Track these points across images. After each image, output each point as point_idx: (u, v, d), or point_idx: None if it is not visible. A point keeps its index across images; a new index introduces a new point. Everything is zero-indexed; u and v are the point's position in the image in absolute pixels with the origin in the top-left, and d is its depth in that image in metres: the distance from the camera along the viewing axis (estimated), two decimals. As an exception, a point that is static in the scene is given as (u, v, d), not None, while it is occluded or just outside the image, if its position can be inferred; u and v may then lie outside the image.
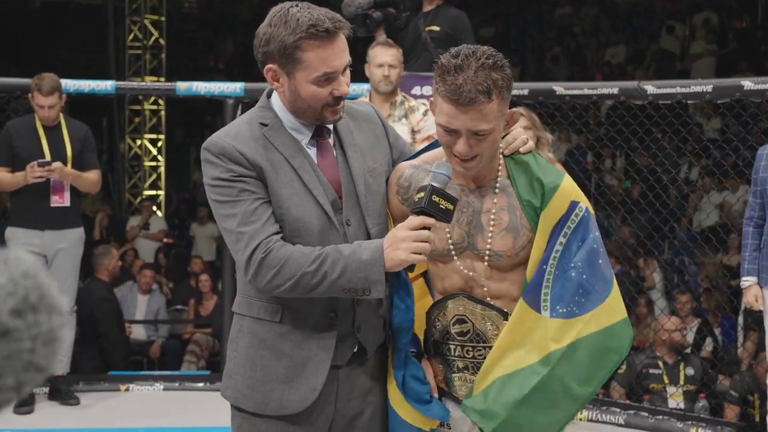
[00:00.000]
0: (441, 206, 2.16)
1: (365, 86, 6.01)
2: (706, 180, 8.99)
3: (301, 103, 2.27)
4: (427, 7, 5.96)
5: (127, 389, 5.87)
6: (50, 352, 1.08)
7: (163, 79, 14.26)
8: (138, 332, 8.44)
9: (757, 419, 5.79)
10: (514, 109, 2.27)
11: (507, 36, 16.22)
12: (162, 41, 14.79)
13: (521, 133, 2.36)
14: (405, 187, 2.39)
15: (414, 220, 2.18)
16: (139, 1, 14.69)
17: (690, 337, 6.81)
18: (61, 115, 5.52)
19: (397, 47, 5.24)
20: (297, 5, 2.24)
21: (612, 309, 2.26)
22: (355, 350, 2.37)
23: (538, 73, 14.13)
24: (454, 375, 2.37)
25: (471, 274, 2.31)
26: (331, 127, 2.36)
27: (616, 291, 2.28)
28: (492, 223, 2.27)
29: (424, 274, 2.50)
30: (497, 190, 2.29)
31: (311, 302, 2.28)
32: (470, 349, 2.33)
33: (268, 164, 2.25)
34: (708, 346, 6.98)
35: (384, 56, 5.15)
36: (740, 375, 6.11)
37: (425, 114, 5.07)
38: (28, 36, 15.98)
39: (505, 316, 2.29)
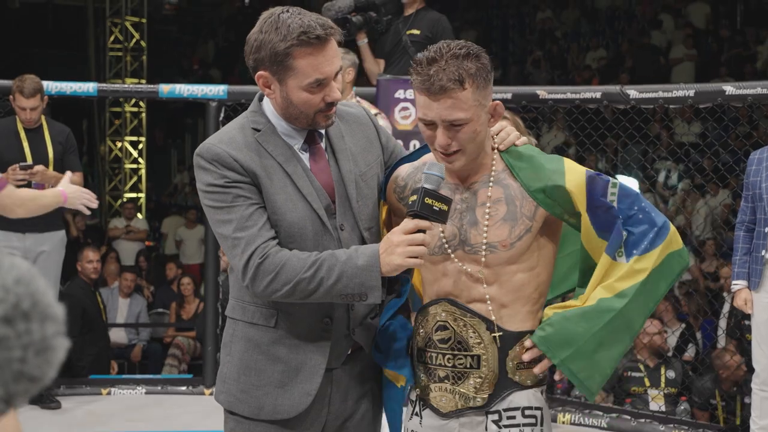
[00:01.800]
0: (435, 208, 2.15)
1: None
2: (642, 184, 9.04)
3: (294, 110, 2.26)
4: (407, 11, 5.96)
5: (108, 393, 5.84)
6: (44, 362, 1.03)
7: (143, 81, 14.23)
8: (119, 335, 8.40)
9: (722, 422, 5.85)
10: (497, 101, 2.25)
11: (488, 40, 16.27)
12: (143, 43, 14.74)
13: (513, 129, 2.35)
14: (402, 186, 2.40)
15: (408, 223, 2.17)
16: (119, 2, 14.63)
17: (673, 341, 6.86)
18: (43, 117, 5.48)
19: (344, 50, 5.07)
20: (288, 10, 2.22)
21: (672, 240, 2.26)
22: (350, 351, 2.38)
23: (520, 77, 14.19)
24: (434, 385, 2.34)
25: (462, 273, 2.27)
26: (323, 131, 2.36)
27: (672, 225, 2.30)
28: (488, 215, 2.25)
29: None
30: (491, 184, 2.28)
31: (306, 307, 2.28)
32: (451, 357, 2.30)
33: (262, 170, 2.25)
34: (690, 350, 7.02)
35: None
36: (701, 380, 6.16)
37: (375, 116, 5.04)
38: (7, 37, 15.87)
39: (488, 324, 2.26)
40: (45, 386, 1.07)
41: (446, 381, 2.31)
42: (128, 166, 14.47)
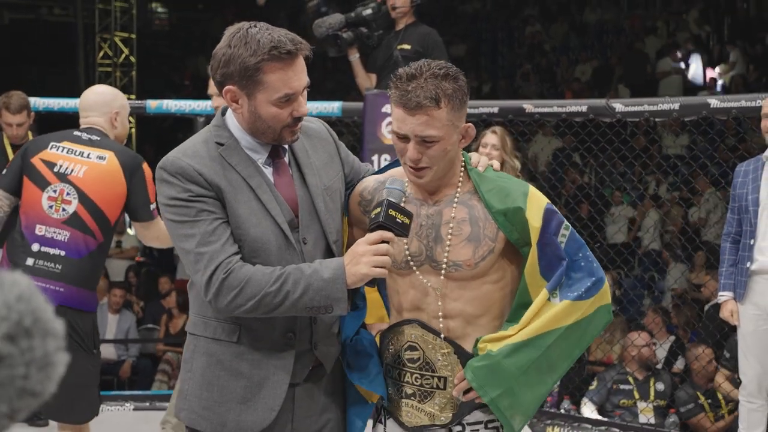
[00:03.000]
0: (398, 220, 2.18)
1: (336, 104, 6.04)
2: (617, 195, 9.17)
3: (261, 124, 2.27)
4: (398, 26, 5.99)
5: (96, 409, 5.80)
6: (45, 377, 1.06)
7: (133, 96, 14.23)
8: (108, 352, 8.37)
9: (710, 424, 5.86)
10: (469, 124, 2.30)
11: (477, 53, 16.33)
12: (132, 59, 14.77)
13: (486, 160, 2.42)
14: (368, 200, 2.42)
15: (373, 234, 2.19)
16: (109, 18, 14.66)
17: (662, 354, 6.85)
18: (30, 133, 5.48)
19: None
20: (255, 26, 2.23)
21: (603, 294, 2.32)
22: (311, 367, 2.37)
23: (509, 90, 14.23)
24: (401, 400, 2.39)
25: (428, 286, 2.31)
26: (286, 146, 2.37)
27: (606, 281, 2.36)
28: (450, 234, 2.29)
29: (380, 291, 2.53)
30: (456, 204, 2.31)
31: (269, 322, 2.27)
32: (419, 376, 2.35)
33: (227, 184, 2.25)
34: (679, 363, 7.03)
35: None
36: (681, 390, 6.16)
37: None
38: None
39: (455, 347, 2.31)
40: (44, 401, 1.09)
41: (413, 398, 2.37)
42: (118, 181, 14.45)
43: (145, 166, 3.98)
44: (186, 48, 18.53)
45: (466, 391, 2.30)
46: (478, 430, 2.34)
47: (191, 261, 2.22)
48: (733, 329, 5.00)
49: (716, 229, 8.42)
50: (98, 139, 3.92)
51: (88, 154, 3.87)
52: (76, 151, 3.88)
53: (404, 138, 2.22)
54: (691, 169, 7.56)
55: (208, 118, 5.81)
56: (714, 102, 5.03)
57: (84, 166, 3.85)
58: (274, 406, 2.29)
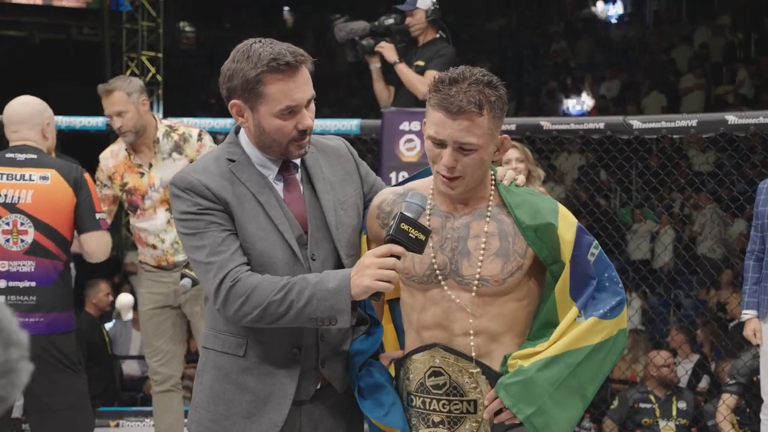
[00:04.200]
0: (411, 235, 2.12)
1: (354, 121, 6.06)
2: (637, 213, 9.15)
3: (267, 138, 2.29)
4: (419, 43, 6.03)
5: (116, 425, 5.85)
6: (8, 383, 1.14)
7: (159, 115, 14.37)
8: (132, 368, 8.42)
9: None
10: (505, 136, 2.26)
11: (503, 70, 16.34)
12: (159, 77, 14.90)
13: (513, 173, 2.37)
14: (387, 212, 2.36)
15: (381, 247, 2.17)
16: (136, 37, 14.82)
17: (688, 372, 6.79)
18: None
19: (120, 88, 4.50)
20: (260, 41, 2.27)
21: (623, 317, 2.28)
22: (319, 386, 2.36)
23: (534, 107, 14.22)
24: (427, 430, 2.32)
25: (452, 303, 2.25)
26: (298, 162, 2.38)
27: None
28: (483, 248, 2.24)
29: (394, 319, 2.49)
30: (488, 218, 2.26)
31: (275, 336, 2.28)
32: (446, 402, 2.28)
33: (234, 198, 2.28)
34: (704, 381, 6.96)
35: (107, 107, 4.51)
36: (711, 404, 6.09)
37: (200, 138, 4.53)
38: (27, 72, 16.09)
39: (483, 368, 2.25)
40: (9, 406, 1.18)
41: (441, 426, 2.30)
42: (144, 198, 14.56)
43: (86, 174, 3.86)
44: (212, 66, 18.70)
45: (498, 413, 2.23)
46: None
47: (202, 271, 2.26)
48: (734, 356, 4.95)
49: (711, 242, 8.43)
50: (35, 157, 3.77)
51: (30, 176, 3.72)
52: (16, 175, 3.72)
53: (440, 144, 2.17)
54: (709, 186, 7.53)
55: (226, 135, 5.86)
56: (732, 119, 4.99)
57: (30, 190, 3.70)
58: (278, 421, 2.30)
